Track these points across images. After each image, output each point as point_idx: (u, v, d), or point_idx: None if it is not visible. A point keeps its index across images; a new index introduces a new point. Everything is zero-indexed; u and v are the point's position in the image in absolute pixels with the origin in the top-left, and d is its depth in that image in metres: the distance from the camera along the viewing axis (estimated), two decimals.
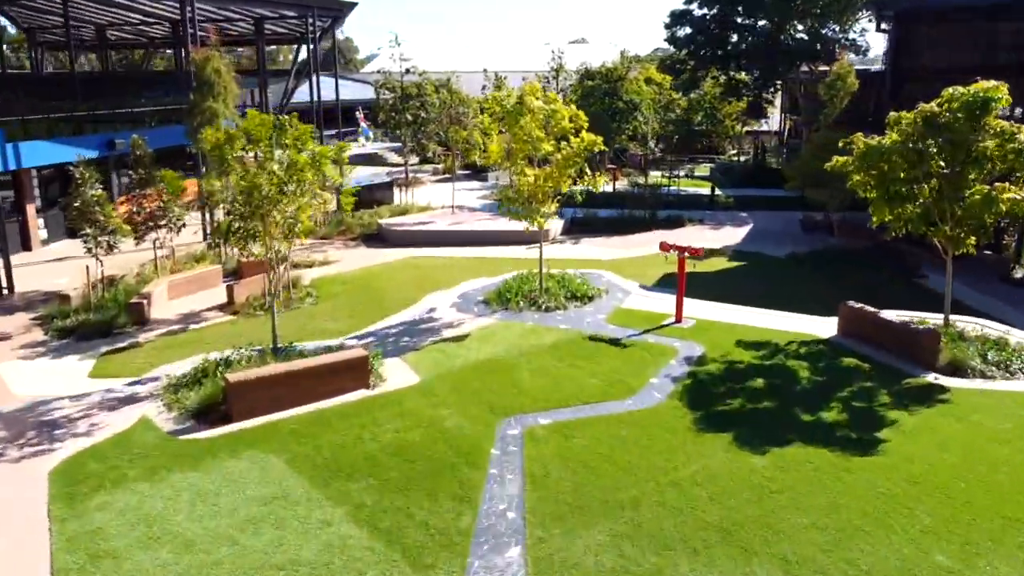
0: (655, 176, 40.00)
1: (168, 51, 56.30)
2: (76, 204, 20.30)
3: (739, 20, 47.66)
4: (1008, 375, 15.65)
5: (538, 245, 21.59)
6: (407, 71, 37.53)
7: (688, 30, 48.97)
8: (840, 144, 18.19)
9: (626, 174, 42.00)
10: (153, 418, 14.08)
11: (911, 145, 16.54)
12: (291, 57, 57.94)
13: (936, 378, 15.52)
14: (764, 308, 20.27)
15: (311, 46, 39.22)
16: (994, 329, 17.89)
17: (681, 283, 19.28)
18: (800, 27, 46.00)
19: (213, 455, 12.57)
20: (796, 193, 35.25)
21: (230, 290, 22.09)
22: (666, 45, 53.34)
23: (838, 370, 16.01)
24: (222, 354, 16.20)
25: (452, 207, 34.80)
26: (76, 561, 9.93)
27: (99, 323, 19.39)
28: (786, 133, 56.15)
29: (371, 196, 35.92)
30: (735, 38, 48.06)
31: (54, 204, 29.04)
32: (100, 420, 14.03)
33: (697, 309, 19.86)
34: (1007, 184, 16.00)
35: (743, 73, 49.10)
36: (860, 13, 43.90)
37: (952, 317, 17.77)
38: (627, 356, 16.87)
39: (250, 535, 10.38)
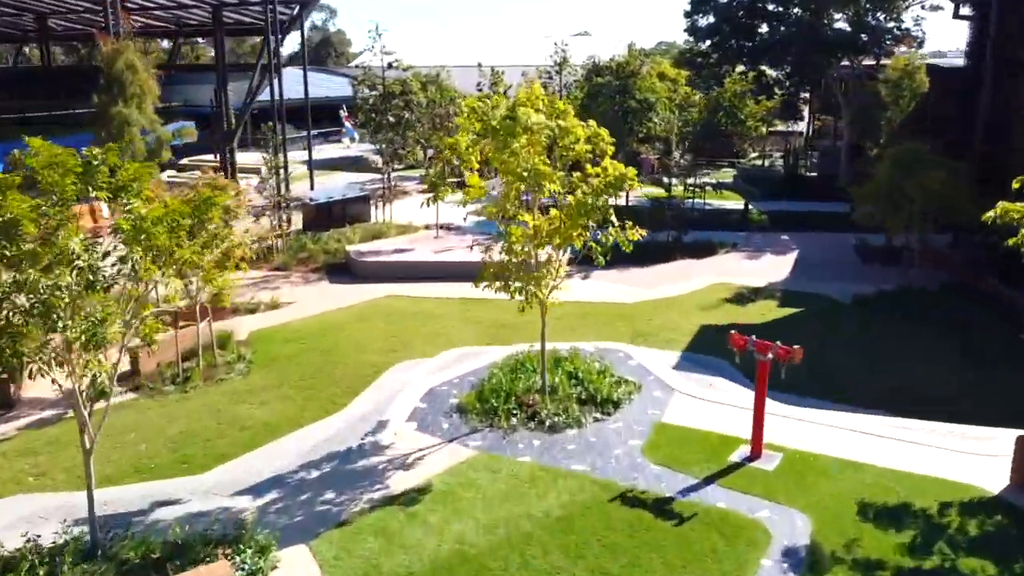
0: (676, 186, 33.80)
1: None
2: None
3: (770, 7, 42.70)
4: None
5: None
6: (389, 66, 32.01)
7: (711, 19, 44.22)
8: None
9: (640, 183, 36.01)
10: None
11: None
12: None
13: None
14: (861, 407, 15.38)
15: (276, 36, 33.48)
16: None
17: (760, 402, 13.14)
18: (840, 16, 40.19)
19: None
20: (837, 207, 30.11)
21: (134, 356, 17.05)
22: (672, 38, 48.53)
23: None
24: None
25: (436, 227, 29.15)
26: None
27: None
28: (810, 135, 50.72)
29: (342, 212, 30.82)
30: (765, 28, 43.30)
31: None
32: None
33: (771, 415, 13.69)
34: None
35: (773, 69, 44.03)
36: None
37: None
38: (687, 548, 10.74)
39: None
